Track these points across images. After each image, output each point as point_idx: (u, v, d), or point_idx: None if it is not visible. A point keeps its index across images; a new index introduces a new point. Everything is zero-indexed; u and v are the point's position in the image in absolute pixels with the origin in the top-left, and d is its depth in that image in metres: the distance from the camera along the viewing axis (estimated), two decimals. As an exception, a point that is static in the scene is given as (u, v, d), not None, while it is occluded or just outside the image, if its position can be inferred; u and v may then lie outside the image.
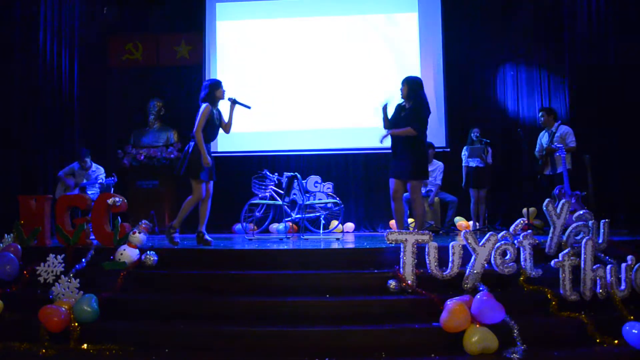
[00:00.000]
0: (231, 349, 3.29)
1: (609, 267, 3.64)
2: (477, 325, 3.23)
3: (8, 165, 6.98)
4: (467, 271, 3.65)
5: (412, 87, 5.01)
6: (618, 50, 6.91)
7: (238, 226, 7.35)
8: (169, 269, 4.10)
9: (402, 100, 5.08)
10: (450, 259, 3.67)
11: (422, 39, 8.22)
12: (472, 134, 6.99)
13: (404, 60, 8.24)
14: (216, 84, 5.01)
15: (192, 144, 4.89)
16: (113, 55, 8.59)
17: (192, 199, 4.90)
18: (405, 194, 6.92)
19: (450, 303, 3.31)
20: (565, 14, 7.63)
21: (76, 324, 3.42)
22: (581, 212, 4.04)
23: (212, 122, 4.95)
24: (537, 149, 6.40)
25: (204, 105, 4.90)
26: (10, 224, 4.50)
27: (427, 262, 3.68)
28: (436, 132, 8.03)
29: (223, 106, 5.13)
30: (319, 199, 7.11)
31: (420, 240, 3.71)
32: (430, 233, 3.78)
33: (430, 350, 3.21)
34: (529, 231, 3.84)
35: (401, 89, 5.05)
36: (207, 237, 4.94)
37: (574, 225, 3.95)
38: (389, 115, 5.10)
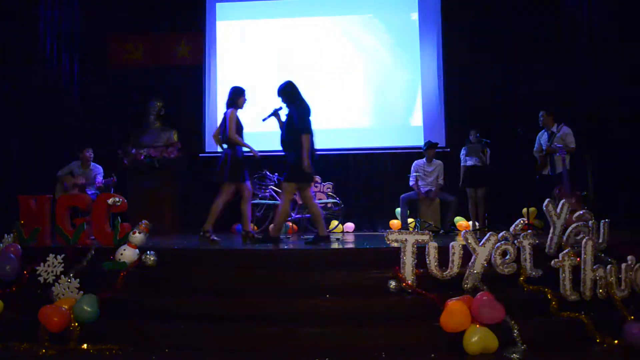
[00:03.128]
0: (231, 349, 3.30)
1: (609, 267, 3.64)
2: (477, 325, 3.23)
3: (8, 165, 6.99)
4: (467, 271, 3.65)
5: (287, 94, 5.00)
6: (618, 48, 6.91)
7: (238, 226, 7.35)
8: (169, 268, 4.10)
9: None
10: (450, 259, 3.67)
11: (422, 39, 8.23)
12: (471, 136, 6.99)
13: (404, 60, 8.25)
14: (239, 92, 5.35)
15: (229, 151, 5.16)
16: (113, 55, 8.59)
17: (247, 199, 5.25)
18: (403, 195, 6.94)
19: (450, 303, 3.31)
20: (566, 13, 7.64)
21: (76, 324, 3.42)
22: (581, 212, 4.03)
23: (240, 126, 5.28)
24: (535, 149, 6.40)
25: (229, 111, 5.21)
26: (10, 224, 4.50)
27: (427, 262, 3.68)
28: (436, 132, 8.05)
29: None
30: (319, 199, 7.11)
31: (420, 240, 3.71)
32: (430, 233, 3.78)
33: (430, 350, 3.21)
34: (529, 231, 3.84)
35: (282, 101, 5.06)
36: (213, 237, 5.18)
37: (574, 225, 3.95)
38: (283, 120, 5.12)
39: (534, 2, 8.00)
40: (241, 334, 3.37)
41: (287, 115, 4.98)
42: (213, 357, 3.23)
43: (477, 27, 8.17)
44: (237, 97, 5.32)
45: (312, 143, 4.84)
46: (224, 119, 5.29)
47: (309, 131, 4.77)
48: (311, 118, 4.93)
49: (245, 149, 5.30)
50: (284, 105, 5.08)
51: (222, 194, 5.25)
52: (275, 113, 5.12)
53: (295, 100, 4.94)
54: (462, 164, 7.02)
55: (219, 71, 8.42)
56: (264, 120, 5.20)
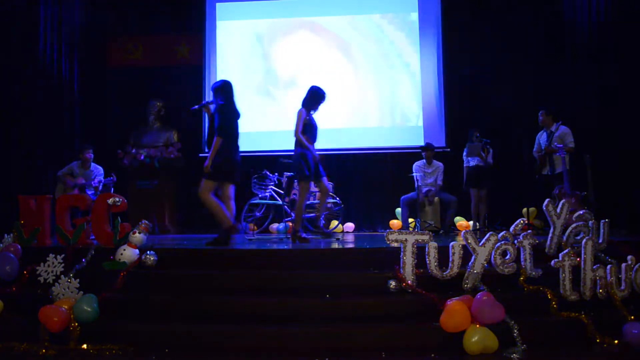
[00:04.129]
0: (231, 349, 3.29)
1: (609, 267, 3.64)
2: (477, 325, 3.23)
3: (8, 165, 6.98)
4: (467, 271, 3.65)
5: (218, 92, 4.99)
6: (618, 50, 6.91)
7: (238, 226, 7.35)
8: (169, 268, 4.10)
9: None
10: (450, 259, 3.67)
11: (422, 39, 8.23)
12: (472, 136, 6.98)
13: (404, 60, 8.25)
14: (317, 95, 5.38)
15: (298, 150, 5.28)
16: (113, 55, 8.59)
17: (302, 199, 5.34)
18: (403, 196, 6.94)
19: (450, 303, 3.31)
20: (566, 13, 7.64)
21: (76, 324, 3.42)
22: (581, 212, 4.03)
23: (311, 125, 5.36)
24: (535, 149, 6.40)
25: (299, 109, 5.32)
26: (10, 224, 4.50)
27: (427, 262, 3.68)
28: (436, 132, 8.05)
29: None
30: (319, 199, 7.10)
31: (420, 240, 3.72)
32: (430, 233, 3.78)
33: (430, 350, 3.21)
34: (529, 231, 3.84)
35: (211, 100, 5.09)
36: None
37: (574, 225, 3.95)
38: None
39: (534, 1, 8.01)
40: (241, 333, 3.37)
41: (213, 113, 4.99)
42: (213, 357, 3.23)
43: (477, 27, 8.18)
44: (312, 99, 5.37)
45: (236, 146, 4.98)
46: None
47: (222, 135, 4.86)
48: (239, 122, 5.03)
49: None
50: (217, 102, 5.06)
51: (300, 192, 5.42)
52: (205, 105, 5.09)
53: (224, 102, 4.96)
54: (464, 165, 7.01)
55: (219, 71, 8.42)
56: (192, 109, 5.24)
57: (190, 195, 7.88)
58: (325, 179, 5.48)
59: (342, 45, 8.33)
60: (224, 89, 5.00)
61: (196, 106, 5.21)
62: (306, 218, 7.02)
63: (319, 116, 8.36)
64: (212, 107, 5.05)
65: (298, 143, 5.32)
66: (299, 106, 5.39)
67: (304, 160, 5.26)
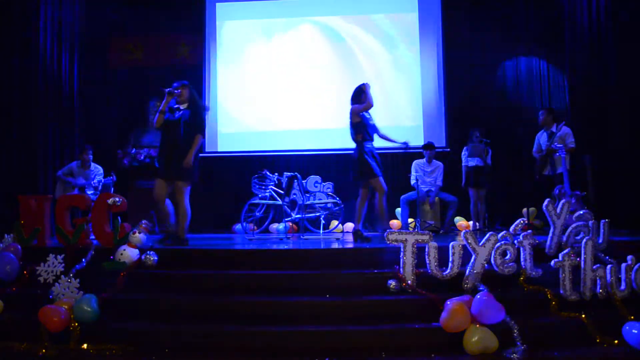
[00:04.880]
0: (231, 349, 3.29)
1: (609, 267, 3.64)
2: (477, 325, 3.23)
3: (8, 165, 6.98)
4: (467, 271, 3.65)
5: (192, 91, 5.02)
6: (618, 49, 6.91)
7: (238, 226, 7.35)
8: (169, 269, 4.10)
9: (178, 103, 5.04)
10: (450, 259, 3.67)
11: (422, 39, 8.23)
12: (472, 136, 6.98)
13: (404, 60, 8.25)
14: (361, 90, 5.43)
15: (354, 149, 5.30)
16: (113, 55, 8.60)
17: (380, 195, 5.28)
18: (403, 196, 6.95)
19: (450, 303, 3.31)
20: (566, 13, 7.64)
21: (76, 324, 3.42)
22: (581, 212, 4.03)
23: (366, 124, 5.36)
24: (534, 149, 6.40)
25: (352, 107, 5.38)
26: (10, 224, 4.50)
27: (427, 262, 3.68)
28: (436, 132, 8.05)
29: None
30: (319, 199, 7.11)
31: (420, 240, 3.72)
32: (430, 233, 3.78)
33: (430, 350, 3.21)
34: (529, 231, 3.84)
35: (179, 92, 5.01)
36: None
37: (574, 225, 3.95)
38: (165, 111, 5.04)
39: (534, 1, 8.01)
40: (241, 334, 3.37)
41: (185, 113, 4.91)
42: (213, 357, 3.23)
43: (477, 27, 8.18)
44: (359, 95, 5.42)
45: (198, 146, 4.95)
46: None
47: (203, 134, 4.92)
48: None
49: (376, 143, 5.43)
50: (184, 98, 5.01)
51: (377, 190, 5.38)
52: (170, 92, 4.96)
53: (199, 102, 5.04)
54: (463, 164, 7.01)
55: (219, 71, 8.42)
56: (165, 89, 5.03)
57: (190, 196, 7.92)
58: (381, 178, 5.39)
59: (342, 45, 8.33)
60: (195, 93, 5.09)
61: (167, 89, 5.02)
62: (306, 218, 7.02)
63: (320, 116, 8.39)
64: (172, 101, 4.99)
65: (356, 141, 5.33)
66: (350, 106, 5.44)
67: (370, 158, 5.27)
